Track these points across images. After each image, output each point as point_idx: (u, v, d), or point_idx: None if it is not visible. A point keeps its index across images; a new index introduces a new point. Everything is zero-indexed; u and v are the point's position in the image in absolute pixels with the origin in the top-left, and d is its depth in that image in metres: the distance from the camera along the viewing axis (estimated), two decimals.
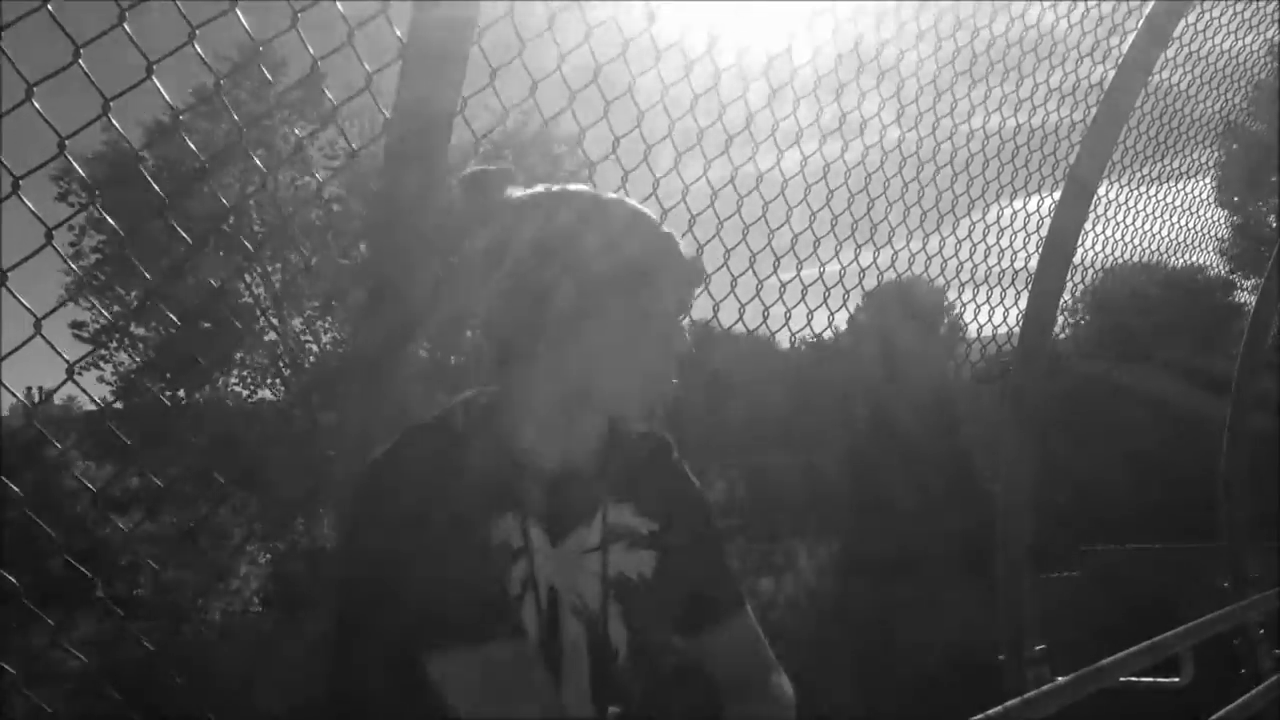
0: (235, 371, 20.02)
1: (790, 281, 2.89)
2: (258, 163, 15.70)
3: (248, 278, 19.76)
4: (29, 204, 1.48)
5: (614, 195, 1.46)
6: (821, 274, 3.07)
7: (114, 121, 1.62)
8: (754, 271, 2.74)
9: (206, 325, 17.81)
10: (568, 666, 1.42)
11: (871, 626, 16.71)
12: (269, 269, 19.49)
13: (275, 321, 19.20)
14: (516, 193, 1.43)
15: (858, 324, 19.06)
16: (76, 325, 18.67)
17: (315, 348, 19.61)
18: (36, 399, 2.17)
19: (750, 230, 2.66)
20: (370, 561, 1.32)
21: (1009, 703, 2.80)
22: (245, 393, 20.35)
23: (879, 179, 3.20)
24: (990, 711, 2.50)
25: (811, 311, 3.03)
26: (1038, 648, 3.32)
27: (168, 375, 18.32)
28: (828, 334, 3.43)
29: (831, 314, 3.11)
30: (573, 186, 1.45)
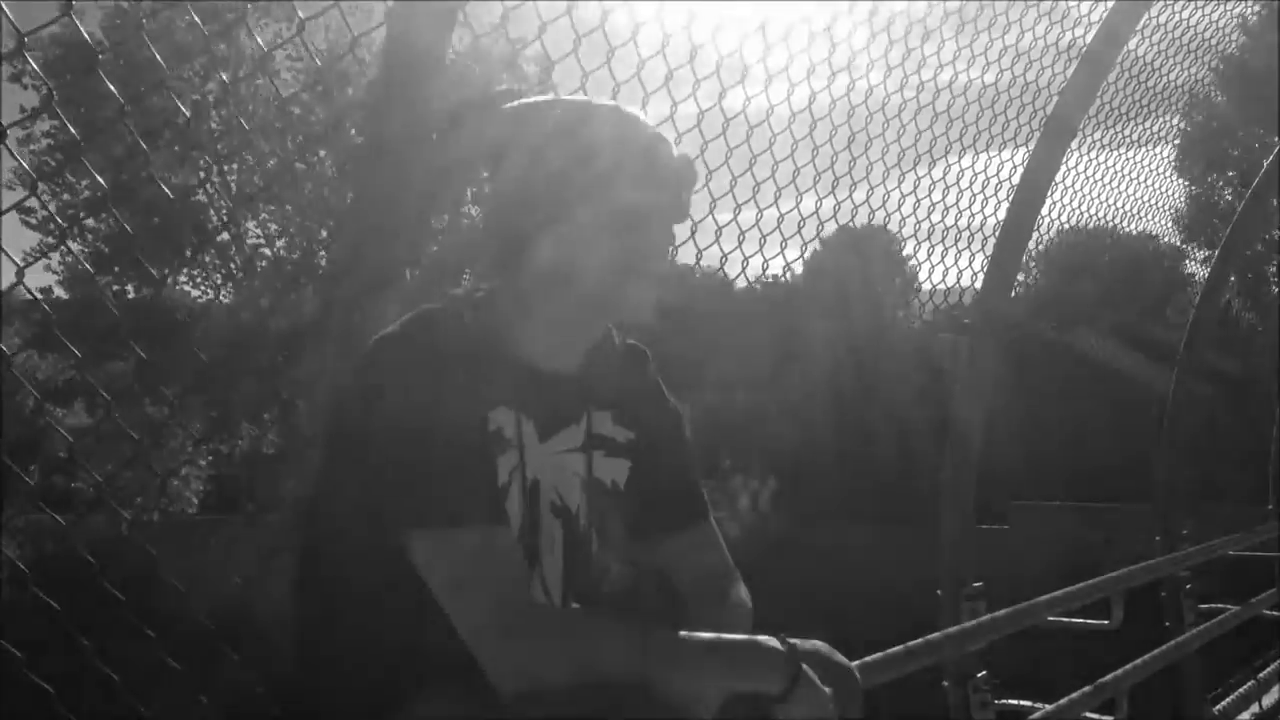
0: (186, 270, 19.73)
1: (751, 227, 2.89)
2: (214, 59, 15.31)
3: (203, 175, 19.39)
4: None
5: (608, 101, 1.48)
6: (790, 210, 3.07)
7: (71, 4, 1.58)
8: (714, 217, 2.74)
9: (157, 220, 17.49)
10: (544, 557, 1.45)
11: (812, 564, 17.06)
12: (225, 168, 19.13)
13: (229, 221, 18.89)
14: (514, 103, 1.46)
15: (814, 267, 19.17)
16: (25, 211, 18.24)
17: (268, 251, 19.33)
18: None
19: (713, 174, 2.64)
20: (363, 437, 1.33)
21: (948, 630, 2.90)
22: (196, 293, 20.09)
23: (855, 122, 3.18)
24: (931, 637, 2.58)
25: (767, 254, 3.04)
26: (975, 584, 3.42)
27: (116, 269, 18.01)
28: (786, 276, 3.47)
29: (804, 247, 3.13)
30: (567, 96, 1.48)
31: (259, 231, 19.48)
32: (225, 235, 19.32)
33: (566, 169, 1.39)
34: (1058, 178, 4.12)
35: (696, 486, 1.63)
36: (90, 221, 19.70)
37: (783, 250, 3.04)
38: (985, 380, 3.68)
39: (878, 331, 18.94)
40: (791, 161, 2.95)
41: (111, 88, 1.83)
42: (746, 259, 2.88)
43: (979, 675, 3.36)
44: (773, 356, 20.35)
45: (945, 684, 3.39)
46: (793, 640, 1.33)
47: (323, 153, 17.92)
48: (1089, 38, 3.72)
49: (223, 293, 19.74)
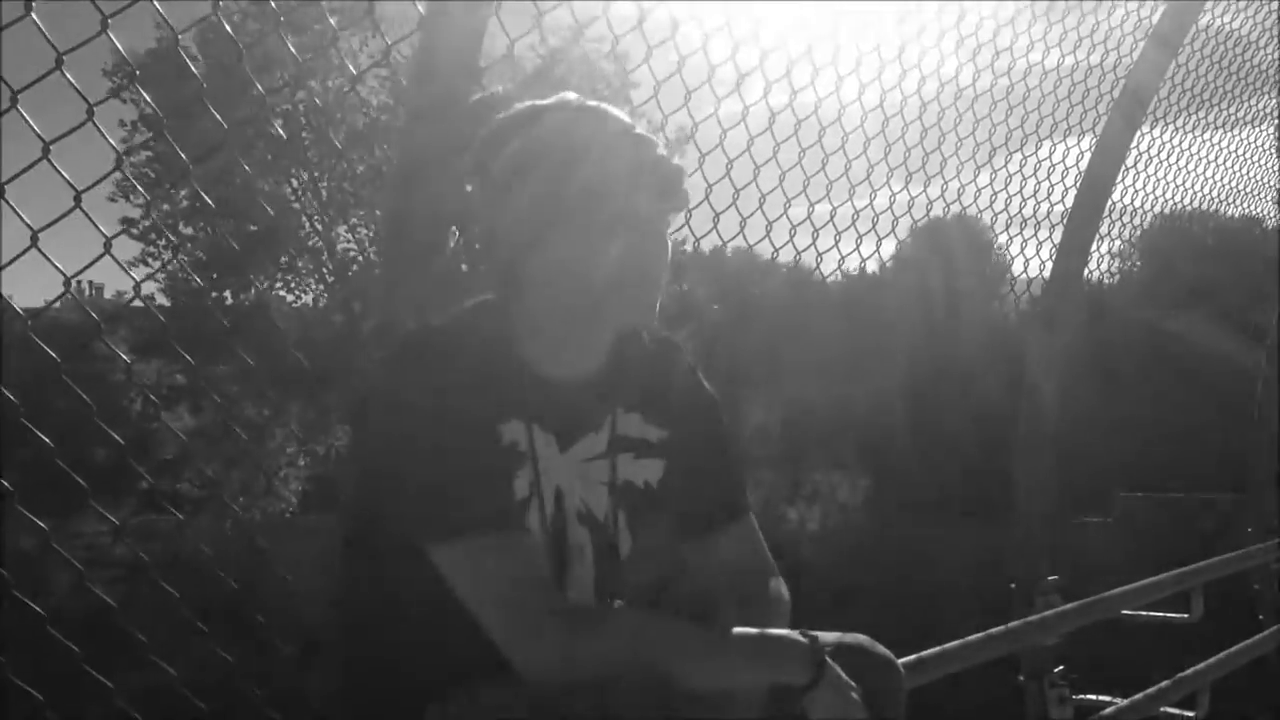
0: (280, 276, 20.22)
1: (835, 214, 2.88)
2: (303, 70, 15.65)
3: (294, 183, 19.83)
4: (73, 82, 1.51)
5: (593, 104, 1.45)
6: (865, 207, 3.05)
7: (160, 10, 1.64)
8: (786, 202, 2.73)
9: (253, 228, 17.96)
10: (574, 568, 1.46)
11: (900, 560, 16.83)
12: (315, 175, 19.54)
13: (320, 227, 19.31)
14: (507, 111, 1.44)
15: (902, 258, 18.89)
16: (127, 222, 18.87)
17: (359, 255, 19.71)
18: (88, 293, 2.22)
19: (794, 164, 2.64)
20: (380, 453, 1.37)
21: (1017, 621, 2.88)
22: (290, 297, 20.56)
23: (932, 111, 3.15)
24: (1010, 625, 2.65)
25: (854, 242, 3.02)
26: (1050, 578, 3.36)
27: (214, 276, 18.52)
28: (870, 266, 3.44)
29: (879, 242, 3.10)
30: (556, 98, 1.45)
31: (349, 236, 19.86)
32: (318, 241, 19.75)
33: (556, 178, 1.36)
34: (1154, 159, 4.02)
35: (735, 481, 1.61)
36: (189, 230, 20.32)
37: (858, 245, 3.01)
38: (1054, 369, 3.60)
39: (966, 323, 18.58)
40: (865, 159, 2.94)
41: (214, 111, 1.88)
42: (838, 239, 2.87)
43: (1056, 670, 3.31)
44: (859, 350, 20.11)
45: (1021, 679, 3.36)
46: (816, 633, 1.34)
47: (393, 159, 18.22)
48: (1155, 18, 3.65)
49: (316, 297, 20.18)
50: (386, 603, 1.42)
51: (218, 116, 1.82)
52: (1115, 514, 16.90)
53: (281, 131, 16.55)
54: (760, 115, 2.56)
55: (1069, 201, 3.70)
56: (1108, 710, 3.21)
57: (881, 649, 1.43)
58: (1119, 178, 3.70)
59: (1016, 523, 3.47)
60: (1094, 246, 3.66)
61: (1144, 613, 3.27)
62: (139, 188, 17.59)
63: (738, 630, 1.34)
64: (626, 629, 1.30)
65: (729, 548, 1.56)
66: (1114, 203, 3.88)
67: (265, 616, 2.03)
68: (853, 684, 1.31)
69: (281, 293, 20.44)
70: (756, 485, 20.18)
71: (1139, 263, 18.26)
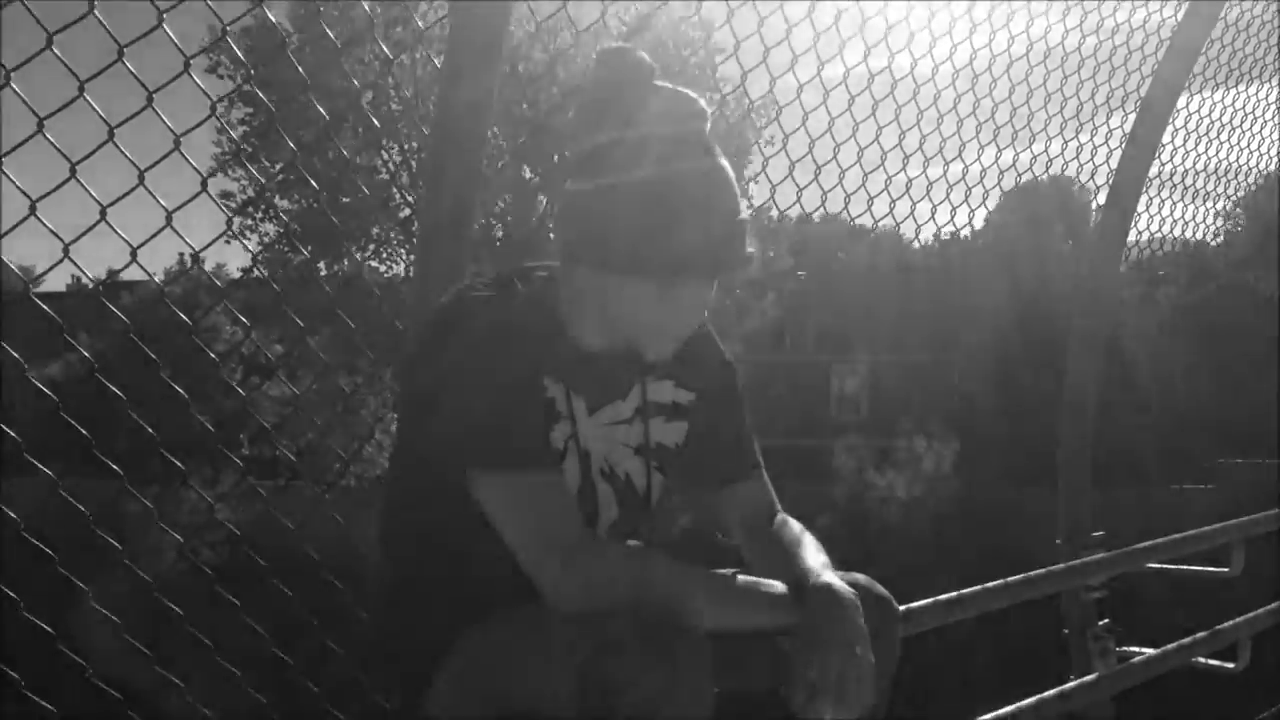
0: (370, 246, 20.58)
1: (916, 178, 2.85)
2: (392, 44, 15.84)
3: (384, 155, 20.14)
4: (196, 80, 1.57)
5: (667, 159, 1.45)
6: (957, 172, 3.01)
7: None
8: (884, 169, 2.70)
9: (345, 200, 18.30)
10: (601, 517, 1.58)
11: (987, 527, 16.60)
12: (405, 147, 19.81)
13: (410, 198, 19.58)
14: (639, 104, 1.47)
15: (996, 223, 18.49)
16: (225, 195, 19.39)
17: None
18: (190, 264, 2.33)
19: (884, 128, 2.62)
20: (433, 392, 1.46)
21: (1056, 565, 3.02)
22: (381, 268, 20.93)
23: (1019, 70, 3.08)
24: (1049, 569, 2.82)
25: (945, 208, 2.98)
26: (1095, 534, 3.39)
27: (309, 247, 18.94)
28: (964, 232, 3.43)
29: (971, 210, 3.06)
30: (666, 102, 1.48)
31: None
32: (408, 212, 20.05)
33: (622, 232, 1.42)
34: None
35: (748, 442, 1.72)
36: (284, 203, 20.78)
37: (962, 199, 2.97)
38: (1097, 334, 3.58)
39: (1058, 287, 18.13)
40: (956, 115, 2.89)
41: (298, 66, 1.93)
42: (932, 206, 2.84)
43: (1100, 624, 3.37)
44: (948, 316, 19.79)
45: (1065, 633, 3.42)
46: (809, 570, 1.48)
47: (496, 128, 18.37)
48: None
49: (407, 267, 20.48)
50: (426, 537, 1.53)
51: (319, 109, 1.87)
52: (1216, 480, 16.44)
53: (372, 107, 16.80)
54: (841, 79, 2.55)
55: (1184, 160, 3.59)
56: (1139, 658, 3.26)
57: (880, 589, 1.53)
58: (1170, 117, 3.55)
59: (1061, 481, 3.52)
60: (1141, 206, 3.58)
61: (1182, 566, 3.32)
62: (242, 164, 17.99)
63: (738, 576, 1.48)
64: (642, 566, 1.42)
65: (745, 499, 1.70)
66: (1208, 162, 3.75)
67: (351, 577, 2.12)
68: (837, 617, 1.41)
69: (373, 263, 20.83)
70: (847, 451, 20.07)
71: (1240, 223, 17.61)
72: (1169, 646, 3.25)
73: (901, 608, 1.64)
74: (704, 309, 1.51)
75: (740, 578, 1.48)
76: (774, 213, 2.64)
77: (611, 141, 1.45)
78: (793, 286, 21.75)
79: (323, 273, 19.85)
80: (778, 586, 1.48)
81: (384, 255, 20.87)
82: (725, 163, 1.49)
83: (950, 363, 21.45)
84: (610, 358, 1.54)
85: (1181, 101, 3.60)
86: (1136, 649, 3.33)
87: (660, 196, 1.43)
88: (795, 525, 1.68)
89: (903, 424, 19.84)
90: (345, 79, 10.58)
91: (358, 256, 19.64)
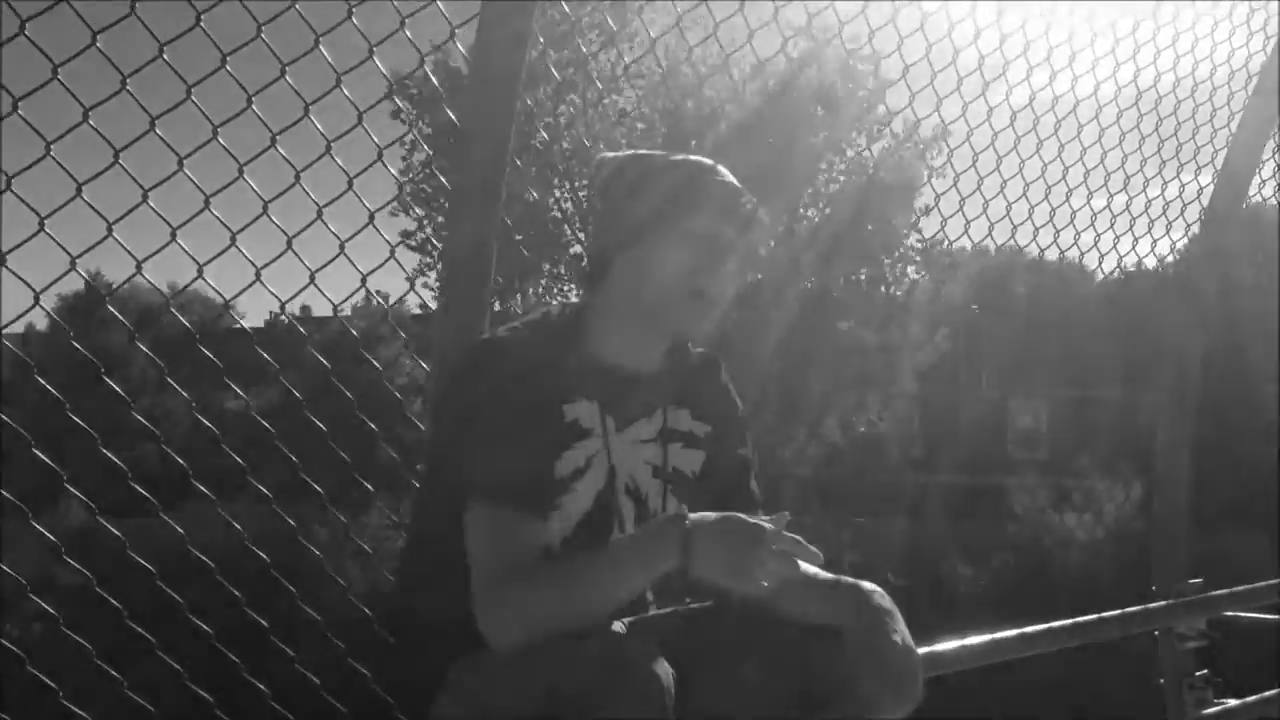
0: (541, 281, 21.12)
1: (1103, 210, 2.75)
2: (564, 84, 16.28)
3: (556, 193, 20.66)
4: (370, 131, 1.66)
5: (696, 157, 1.73)
6: (1139, 203, 2.89)
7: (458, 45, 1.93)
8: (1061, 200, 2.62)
9: (518, 237, 18.82)
10: (617, 531, 1.69)
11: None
12: (575, 184, 20.29)
13: (581, 234, 20.03)
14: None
15: (1190, 254, 17.54)
16: (405, 234, 20.25)
17: None
18: (378, 302, 2.47)
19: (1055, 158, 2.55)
20: (450, 420, 1.65)
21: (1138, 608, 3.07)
22: (549, 301, 21.42)
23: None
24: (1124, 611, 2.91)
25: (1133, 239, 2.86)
26: (1193, 580, 3.31)
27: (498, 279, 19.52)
28: (1149, 262, 3.34)
29: (1154, 241, 2.94)
30: (645, 151, 1.76)
31: None
32: (576, 247, 20.49)
33: (646, 201, 1.65)
34: None
35: (751, 483, 1.84)
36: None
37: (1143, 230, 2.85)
38: (1193, 363, 3.51)
39: (1256, 323, 17.04)
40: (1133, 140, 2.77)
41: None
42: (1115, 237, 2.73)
43: (1197, 674, 3.24)
44: (1133, 351, 18.85)
45: (1161, 682, 3.29)
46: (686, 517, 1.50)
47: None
48: None
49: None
50: (438, 560, 1.63)
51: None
52: None
53: (544, 146, 17.28)
54: (1011, 109, 2.51)
55: None
56: (1234, 703, 3.18)
57: (877, 599, 1.58)
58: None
59: (1156, 527, 3.46)
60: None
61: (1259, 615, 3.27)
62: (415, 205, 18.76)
63: (615, 539, 1.62)
64: (551, 581, 1.51)
65: None
66: None
67: None
68: (726, 520, 1.48)
69: (545, 298, 21.35)
70: (1023, 490, 19.34)
71: None
72: (1268, 693, 3.19)
73: (978, 639, 1.83)
74: (728, 270, 1.66)
75: (614, 542, 1.60)
76: (945, 244, 2.62)
77: (640, 169, 1.70)
78: (967, 319, 21.19)
79: (496, 307, 20.46)
80: (644, 536, 1.53)
81: (555, 291, 21.38)
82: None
83: (1136, 399, 20.44)
84: (639, 378, 1.71)
85: None
86: (1235, 701, 3.22)
87: (676, 167, 1.68)
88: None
89: (1084, 462, 19.00)
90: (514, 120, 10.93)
91: (530, 292, 20.20)
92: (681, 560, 1.46)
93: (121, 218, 1.66)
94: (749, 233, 1.68)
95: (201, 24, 1.68)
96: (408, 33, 1.92)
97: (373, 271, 2.00)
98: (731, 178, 1.69)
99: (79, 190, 1.60)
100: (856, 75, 16.00)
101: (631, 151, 1.76)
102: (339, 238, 1.91)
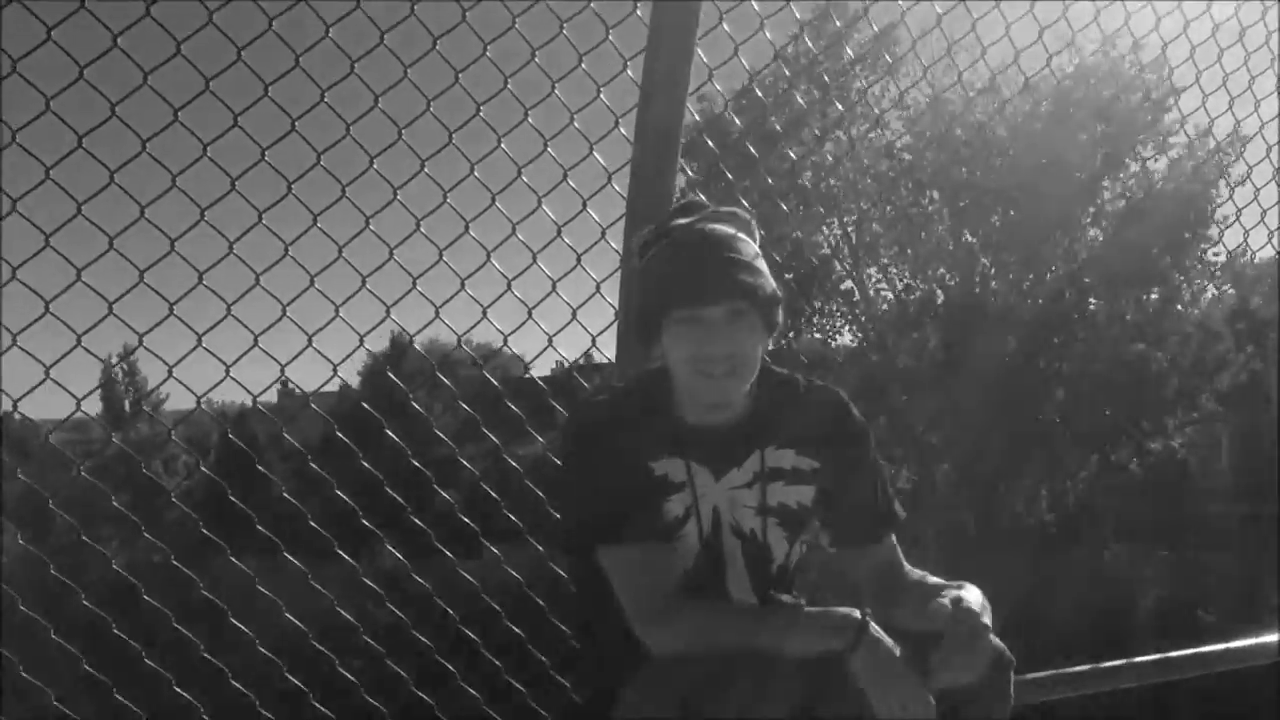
0: (813, 319, 21.10)
1: None
2: (829, 122, 16.38)
3: (825, 230, 20.68)
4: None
5: (721, 228, 1.89)
6: None
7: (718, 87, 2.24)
8: None
9: (788, 276, 18.98)
10: (730, 569, 1.91)
11: None
12: (845, 220, 20.24)
13: (851, 269, 19.92)
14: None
15: None
16: None
17: (889, 294, 20.05)
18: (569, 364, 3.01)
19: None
20: (567, 478, 1.91)
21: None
22: (820, 338, 21.37)
23: None
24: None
25: None
26: None
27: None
28: None
29: None
30: (668, 223, 1.93)
31: (879, 277, 20.26)
32: (848, 283, 20.37)
33: (647, 292, 1.89)
34: None
35: (879, 504, 2.02)
36: None
37: None
38: None
39: None
40: None
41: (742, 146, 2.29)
42: None
43: None
44: None
45: None
46: (867, 611, 1.69)
47: (936, 194, 18.29)
48: None
49: (848, 337, 20.78)
50: (594, 600, 1.90)
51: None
52: None
53: (811, 183, 17.45)
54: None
55: None
56: None
57: (984, 627, 1.71)
58: None
59: None
60: None
61: None
62: None
63: (797, 607, 1.78)
64: (709, 616, 1.75)
65: (876, 558, 2.01)
66: None
67: None
68: (894, 648, 1.64)
69: (816, 335, 21.34)
70: None
71: None
72: None
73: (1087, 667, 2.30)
74: (727, 343, 1.82)
75: (791, 608, 1.81)
76: (1249, 255, 2.63)
77: (647, 259, 1.92)
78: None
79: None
80: (822, 615, 1.71)
81: (825, 327, 21.32)
82: (731, 229, 1.88)
83: None
84: (725, 431, 1.90)
85: None
86: None
87: (670, 248, 1.87)
88: (920, 571, 1.98)
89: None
90: (785, 159, 11.19)
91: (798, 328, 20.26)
92: (846, 646, 1.66)
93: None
94: (741, 299, 1.83)
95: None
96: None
97: None
98: (721, 247, 1.86)
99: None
100: (1139, 84, 15.20)
101: (655, 226, 1.95)
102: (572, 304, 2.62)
